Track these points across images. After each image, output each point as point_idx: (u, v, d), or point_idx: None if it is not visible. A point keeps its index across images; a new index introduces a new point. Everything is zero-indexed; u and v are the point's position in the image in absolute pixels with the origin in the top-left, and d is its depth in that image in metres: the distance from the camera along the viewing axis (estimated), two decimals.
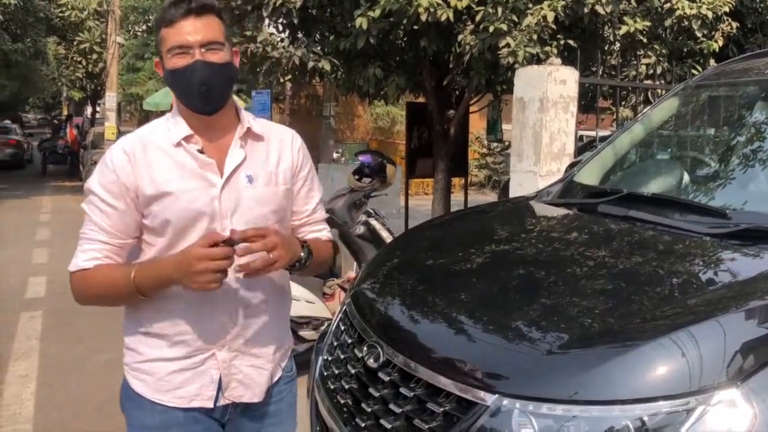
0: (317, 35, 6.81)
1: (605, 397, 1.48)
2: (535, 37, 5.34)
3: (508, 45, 5.36)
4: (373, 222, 4.74)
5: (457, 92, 7.27)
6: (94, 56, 24.70)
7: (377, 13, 5.69)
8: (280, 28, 7.05)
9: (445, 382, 1.66)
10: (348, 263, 5.63)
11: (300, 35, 6.88)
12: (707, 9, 5.76)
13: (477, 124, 13.80)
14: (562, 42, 5.61)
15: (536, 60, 5.30)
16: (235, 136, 1.74)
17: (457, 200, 8.07)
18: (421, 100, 7.87)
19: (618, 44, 6.08)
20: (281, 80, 7.24)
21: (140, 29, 27.68)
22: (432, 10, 5.46)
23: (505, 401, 1.54)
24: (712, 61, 6.17)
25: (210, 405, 1.72)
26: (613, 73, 6.05)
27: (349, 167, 7.75)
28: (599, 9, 5.44)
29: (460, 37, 5.79)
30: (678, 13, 5.79)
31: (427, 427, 1.64)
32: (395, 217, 7.85)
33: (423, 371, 1.73)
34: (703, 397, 1.43)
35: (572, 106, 4.61)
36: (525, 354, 1.67)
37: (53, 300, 6.35)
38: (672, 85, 5.02)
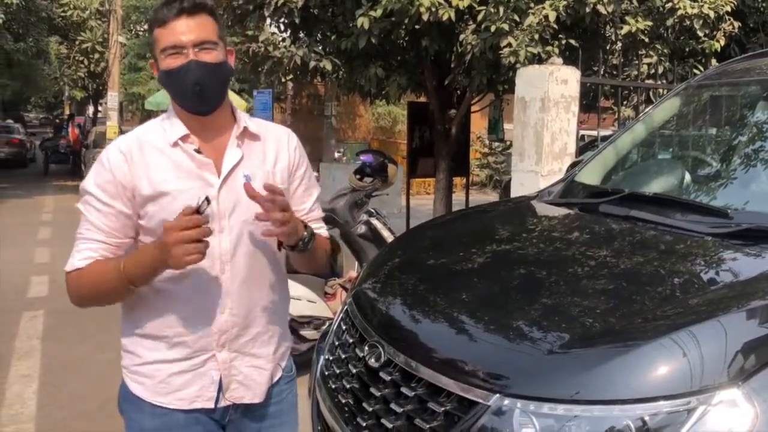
0: (319, 35, 6.82)
1: (606, 397, 1.48)
2: (536, 36, 5.34)
3: (509, 44, 5.36)
4: (375, 221, 4.74)
5: (458, 92, 7.27)
6: (96, 56, 24.74)
7: (379, 12, 5.70)
8: (282, 27, 7.05)
9: (446, 382, 1.66)
10: (349, 263, 5.63)
11: (301, 35, 6.88)
12: (709, 8, 5.75)
13: (478, 124, 13.79)
14: (563, 41, 5.61)
15: (538, 60, 5.30)
16: (231, 136, 1.73)
17: (458, 200, 8.06)
18: (422, 99, 7.87)
19: (619, 44, 6.08)
20: (283, 80, 7.26)
21: (142, 29, 27.68)
22: (433, 9, 5.46)
23: (506, 401, 1.54)
24: (713, 61, 6.16)
25: (211, 406, 1.72)
26: (615, 72, 6.04)
27: (350, 167, 7.75)
28: (601, 8, 5.44)
29: (461, 36, 5.79)
30: (680, 12, 5.79)
31: (428, 426, 1.65)
32: (396, 217, 7.86)
33: (424, 371, 1.73)
34: (704, 397, 1.43)
35: (574, 105, 4.60)
36: (526, 354, 1.67)
37: (55, 299, 6.35)
38: (674, 85, 5.01)
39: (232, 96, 14.69)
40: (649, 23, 5.76)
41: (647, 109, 3.53)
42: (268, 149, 1.78)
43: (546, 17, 5.34)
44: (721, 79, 3.09)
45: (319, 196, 1.94)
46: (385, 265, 2.43)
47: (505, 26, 5.39)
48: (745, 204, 2.29)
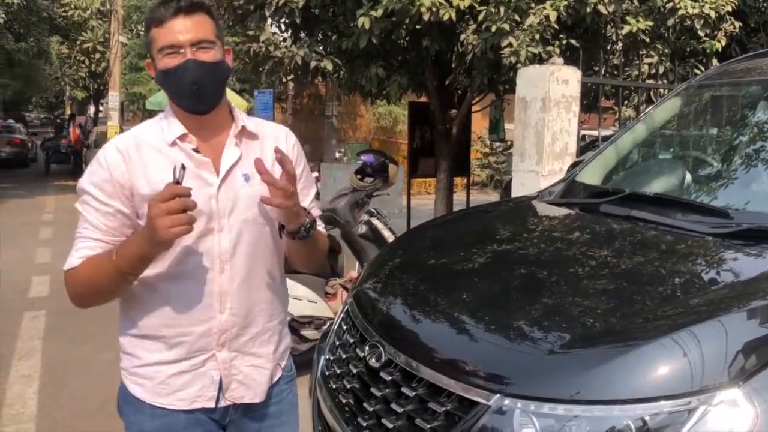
0: (320, 35, 6.82)
1: (607, 397, 1.48)
2: (537, 36, 5.34)
3: (510, 45, 5.36)
4: (376, 221, 4.74)
5: (459, 92, 7.27)
6: (97, 56, 24.79)
7: (379, 12, 5.70)
8: (283, 27, 7.06)
9: (446, 382, 1.66)
10: (350, 263, 5.63)
11: (302, 35, 6.88)
12: (710, 8, 5.75)
13: (479, 124, 13.79)
14: (564, 42, 5.61)
15: (539, 60, 5.30)
16: (229, 135, 1.73)
17: (459, 200, 8.06)
18: (423, 99, 7.87)
19: (620, 44, 6.08)
20: (284, 80, 7.26)
21: (143, 29, 27.73)
22: (434, 9, 5.46)
23: (507, 401, 1.54)
24: (714, 61, 6.16)
25: (211, 405, 1.71)
26: (616, 72, 6.04)
27: (351, 167, 7.76)
28: (602, 8, 5.43)
29: (462, 36, 5.79)
30: (680, 12, 5.78)
31: (428, 426, 1.65)
32: (397, 217, 7.86)
33: (425, 371, 1.73)
34: (705, 397, 1.43)
35: (574, 105, 4.60)
36: (527, 354, 1.67)
37: (56, 299, 6.35)
38: (674, 85, 5.01)
39: (233, 96, 14.71)
40: (650, 23, 5.76)
41: (648, 109, 3.53)
42: (266, 148, 1.77)
43: (547, 17, 5.34)
44: (722, 79, 3.09)
45: (316, 195, 1.93)
46: (386, 265, 2.43)
47: (506, 26, 5.39)
48: (746, 204, 2.29)
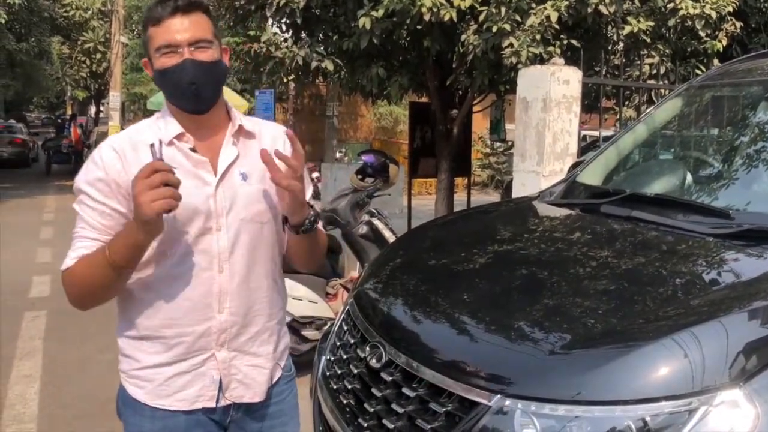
0: (320, 35, 6.82)
1: (607, 398, 1.48)
2: (538, 37, 5.33)
3: (511, 45, 5.35)
4: (376, 222, 4.74)
5: (460, 92, 7.26)
6: (98, 56, 24.82)
7: (380, 13, 5.69)
8: (284, 27, 7.06)
9: (447, 383, 1.67)
10: (351, 263, 5.63)
11: (303, 35, 6.88)
12: (711, 9, 5.75)
13: (480, 124, 13.80)
14: (565, 42, 5.61)
15: (539, 60, 5.30)
16: (226, 134, 1.72)
17: (460, 200, 8.05)
18: (424, 99, 7.87)
19: (621, 44, 6.07)
20: (284, 80, 7.25)
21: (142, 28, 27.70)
22: (435, 9, 5.46)
23: (508, 401, 1.54)
24: (715, 61, 6.15)
25: (212, 405, 1.71)
26: (617, 73, 6.04)
27: (352, 167, 7.75)
28: (602, 9, 5.43)
29: (463, 37, 5.79)
30: (681, 12, 5.78)
31: (429, 427, 1.65)
32: (398, 217, 7.86)
33: (425, 371, 1.73)
34: (706, 398, 1.43)
35: (575, 106, 4.60)
36: (527, 354, 1.67)
37: (57, 299, 6.35)
38: (675, 85, 5.01)
39: (233, 96, 14.70)
40: (651, 23, 5.75)
41: (649, 110, 3.53)
42: (263, 146, 1.76)
43: (548, 17, 5.33)
44: (722, 80, 3.09)
45: (316, 195, 1.93)
46: (387, 266, 2.43)
47: (507, 26, 5.39)
48: (747, 205, 2.29)
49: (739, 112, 2.99)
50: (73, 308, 1.74)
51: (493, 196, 15.98)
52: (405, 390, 1.77)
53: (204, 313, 1.67)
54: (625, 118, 5.64)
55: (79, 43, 25.14)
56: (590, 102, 6.31)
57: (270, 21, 7.01)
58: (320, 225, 1.89)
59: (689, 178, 2.70)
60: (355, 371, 1.99)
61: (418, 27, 5.88)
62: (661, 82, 5.94)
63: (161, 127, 1.70)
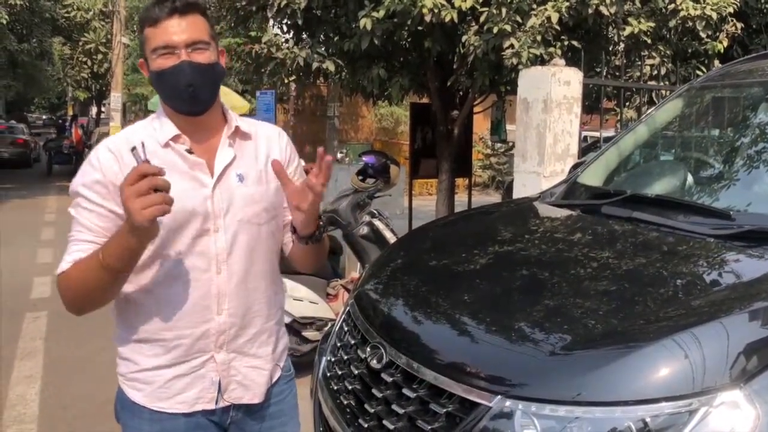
0: (321, 36, 6.82)
1: (608, 399, 1.48)
2: (539, 38, 5.33)
3: (512, 46, 5.35)
4: (377, 222, 4.74)
5: (461, 93, 7.26)
6: (99, 56, 24.85)
7: (381, 14, 5.70)
8: (285, 28, 7.06)
9: (447, 383, 1.67)
10: (351, 264, 5.63)
11: (304, 36, 6.88)
12: (711, 10, 5.74)
13: (481, 125, 13.79)
14: (566, 43, 5.60)
15: (540, 61, 5.30)
16: (223, 136, 1.72)
17: (460, 201, 8.06)
18: (425, 100, 7.87)
19: (622, 45, 6.06)
20: (285, 81, 7.25)
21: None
22: (436, 10, 5.46)
23: (508, 402, 1.54)
24: (716, 62, 6.15)
25: (212, 406, 1.71)
26: (617, 73, 6.03)
27: (353, 168, 7.74)
28: (603, 10, 5.43)
29: (464, 37, 5.79)
30: (682, 14, 5.78)
31: (429, 428, 1.65)
32: (399, 218, 7.85)
33: (426, 372, 1.73)
34: (706, 399, 1.43)
35: (576, 106, 4.60)
36: (528, 355, 1.67)
37: (58, 300, 6.25)
38: (676, 86, 5.01)
39: (235, 96, 14.69)
40: (652, 24, 5.75)
41: (650, 111, 3.53)
42: (259, 147, 1.77)
43: (548, 18, 5.33)
44: (723, 81, 3.09)
45: None
46: (388, 266, 2.43)
47: (508, 27, 5.39)
48: (748, 206, 2.29)
49: (739, 113, 2.99)
50: None
51: (494, 197, 15.98)
52: (405, 391, 1.77)
53: (202, 315, 1.67)
54: (626, 119, 5.64)
55: (80, 43, 25.17)
56: (591, 103, 6.30)
57: (271, 22, 7.01)
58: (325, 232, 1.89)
59: (690, 179, 2.70)
60: (356, 372, 1.99)
61: (419, 28, 5.88)
62: (661, 83, 5.94)
63: (156, 128, 1.69)
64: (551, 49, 5.40)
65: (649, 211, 2.29)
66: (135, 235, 1.46)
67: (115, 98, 17.50)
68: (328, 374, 2.17)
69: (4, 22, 16.81)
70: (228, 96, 13.89)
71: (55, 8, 22.58)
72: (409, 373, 1.78)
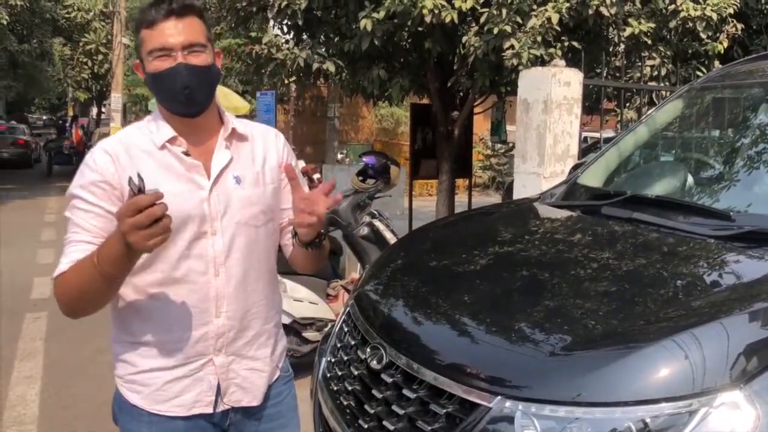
0: (322, 37, 6.82)
1: (608, 399, 1.48)
2: (539, 38, 5.34)
3: (512, 47, 5.36)
4: (377, 223, 4.75)
5: (461, 93, 7.26)
6: (100, 57, 24.85)
7: (381, 14, 5.70)
8: (285, 29, 7.06)
9: (448, 384, 1.66)
10: (352, 264, 5.63)
11: (305, 37, 6.89)
12: (712, 11, 5.74)
13: (481, 126, 13.79)
14: (566, 44, 5.61)
15: (540, 62, 5.30)
16: (219, 138, 1.71)
17: (461, 201, 8.06)
18: (425, 101, 7.87)
19: (622, 46, 6.07)
20: (286, 81, 7.25)
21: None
22: (436, 11, 5.46)
23: (508, 403, 1.54)
24: (716, 63, 6.15)
25: (209, 411, 1.70)
26: (618, 74, 6.04)
27: (353, 168, 7.74)
28: (603, 11, 5.43)
29: (464, 38, 5.79)
30: (682, 14, 5.78)
31: (429, 428, 1.65)
32: (399, 219, 7.85)
33: (426, 373, 1.73)
34: (706, 399, 1.43)
35: (576, 107, 4.60)
36: (528, 356, 1.67)
37: None
38: (676, 87, 5.01)
39: (236, 98, 14.69)
40: (652, 25, 5.75)
41: (650, 112, 3.53)
42: (256, 149, 1.77)
43: (549, 19, 5.33)
44: (723, 82, 3.09)
45: None
46: (388, 267, 2.43)
47: (508, 28, 5.39)
48: (748, 206, 2.30)
49: (740, 113, 2.99)
50: None
51: (494, 198, 15.99)
52: (405, 391, 1.76)
53: (201, 317, 1.66)
54: (626, 119, 5.64)
55: (80, 44, 25.17)
56: (591, 104, 6.30)
57: (271, 23, 7.02)
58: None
59: (690, 179, 2.70)
60: (356, 373, 1.99)
61: (419, 29, 5.88)
62: (662, 84, 5.94)
63: (153, 130, 1.68)
64: (551, 50, 5.40)
65: (650, 212, 2.29)
66: (130, 250, 1.44)
67: (116, 99, 17.51)
68: (328, 375, 2.16)
69: (5, 22, 16.82)
70: (229, 97, 13.90)
71: (55, 9, 22.60)
72: (409, 373, 1.78)
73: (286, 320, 4.37)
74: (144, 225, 1.36)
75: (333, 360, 2.19)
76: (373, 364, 1.88)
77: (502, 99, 7.73)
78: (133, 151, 1.64)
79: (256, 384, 1.77)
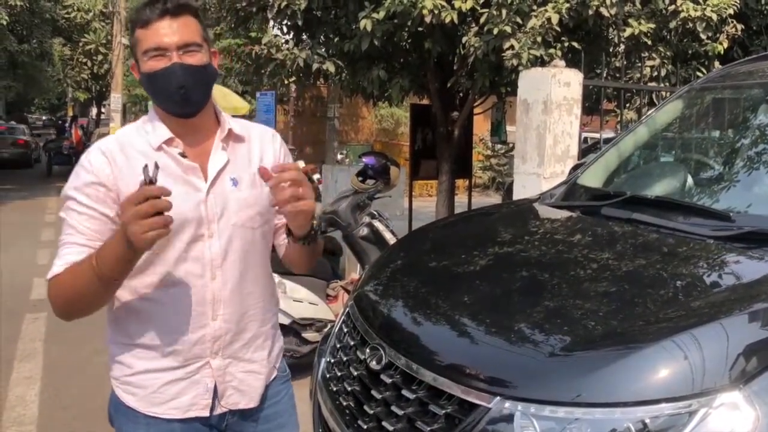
0: (321, 37, 6.82)
1: (607, 400, 1.48)
2: (539, 39, 5.33)
3: (512, 47, 5.35)
4: (377, 224, 4.75)
5: (461, 94, 7.26)
6: (100, 57, 24.84)
7: (381, 15, 5.70)
8: (285, 29, 7.06)
9: (447, 384, 1.66)
10: (351, 265, 5.63)
11: (304, 37, 6.88)
12: (712, 11, 5.74)
13: (481, 126, 13.79)
14: (566, 44, 5.61)
15: (540, 62, 5.30)
16: (216, 139, 1.70)
17: (460, 202, 8.06)
18: (425, 101, 7.87)
19: (622, 46, 6.06)
20: (286, 82, 7.25)
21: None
22: (436, 12, 5.46)
23: (507, 404, 1.54)
24: (716, 64, 6.15)
25: (206, 414, 1.69)
26: (618, 75, 6.03)
27: (353, 169, 7.74)
28: (603, 11, 5.43)
29: (464, 39, 5.79)
30: (682, 15, 5.78)
31: (429, 429, 1.65)
32: (399, 219, 7.85)
33: (425, 373, 1.73)
34: (706, 400, 1.43)
35: (576, 108, 4.60)
36: (527, 356, 1.67)
37: None
38: (676, 88, 5.01)
39: (235, 98, 14.69)
40: (652, 26, 5.75)
41: (650, 112, 3.53)
42: (253, 150, 1.75)
43: (549, 20, 5.33)
44: (724, 82, 3.09)
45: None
46: (387, 268, 2.43)
47: (508, 29, 5.39)
48: (748, 207, 2.30)
49: (739, 114, 2.99)
50: None
51: (494, 198, 15.99)
52: (405, 392, 1.76)
53: (197, 320, 1.65)
54: (626, 120, 5.64)
55: (80, 44, 25.17)
56: (591, 104, 6.30)
57: (271, 23, 7.01)
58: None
59: (690, 180, 2.70)
60: (355, 373, 1.99)
61: (419, 29, 5.88)
62: (662, 85, 5.94)
63: (149, 131, 1.67)
64: (551, 51, 5.40)
65: (649, 213, 2.29)
66: (131, 246, 1.44)
67: (115, 99, 17.50)
68: (328, 375, 2.16)
69: (5, 23, 16.82)
70: (228, 97, 13.91)
71: (55, 9, 22.60)
72: (408, 374, 1.78)
73: (286, 321, 4.37)
74: (146, 215, 1.37)
75: (332, 360, 2.19)
76: (373, 364, 1.88)
77: (502, 99, 7.73)
78: (129, 151, 1.63)
79: (253, 386, 1.76)
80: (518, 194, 4.55)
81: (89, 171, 1.61)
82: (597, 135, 6.75)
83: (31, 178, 20.27)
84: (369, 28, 5.75)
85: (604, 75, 5.29)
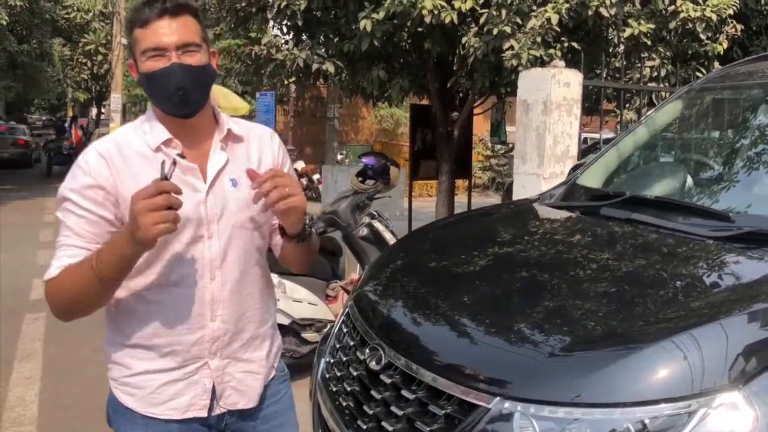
0: (321, 37, 6.83)
1: (607, 400, 1.48)
2: (539, 39, 5.34)
3: (511, 47, 5.36)
4: (377, 224, 4.75)
5: (461, 94, 7.27)
6: (99, 58, 24.86)
7: (381, 15, 5.70)
8: (285, 30, 7.06)
9: (446, 385, 1.66)
10: (351, 265, 5.63)
11: (304, 37, 6.89)
12: (711, 11, 5.75)
13: (481, 126, 13.80)
14: (566, 44, 5.61)
15: (540, 62, 5.30)
16: (215, 140, 1.69)
17: (460, 202, 8.06)
18: (425, 102, 7.87)
19: (622, 47, 6.07)
20: (285, 82, 7.25)
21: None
22: (436, 12, 5.47)
23: (507, 404, 1.54)
24: (716, 64, 6.16)
25: (204, 414, 1.69)
26: (617, 75, 6.04)
27: (352, 169, 7.74)
28: (603, 11, 5.43)
29: (464, 39, 5.79)
30: (682, 15, 5.78)
31: (428, 429, 1.65)
32: (399, 219, 7.85)
33: (425, 374, 1.73)
34: (705, 400, 1.43)
35: (576, 108, 4.60)
36: (527, 356, 1.67)
37: None
38: (676, 88, 5.01)
39: (235, 98, 14.69)
40: (652, 26, 5.75)
41: (649, 112, 3.53)
42: (251, 150, 1.75)
43: (548, 20, 5.33)
44: (723, 82, 3.09)
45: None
46: (387, 268, 2.43)
47: (508, 29, 5.39)
48: (747, 207, 2.30)
49: (739, 114, 2.99)
50: None
51: (494, 199, 16.00)
52: (404, 392, 1.76)
53: (196, 321, 1.65)
54: (626, 120, 5.64)
55: (80, 44, 25.18)
56: (591, 104, 6.31)
57: (271, 23, 7.02)
58: (314, 228, 1.88)
59: (689, 180, 2.70)
60: (355, 373, 1.99)
61: (419, 29, 5.88)
62: (661, 85, 5.94)
63: (147, 131, 1.66)
64: (551, 51, 5.40)
65: (649, 213, 2.29)
66: (134, 245, 1.44)
67: (115, 99, 17.50)
68: (327, 376, 2.16)
69: (4, 23, 16.82)
70: (228, 97, 13.91)
71: (55, 9, 22.61)
72: (408, 374, 1.78)
73: (285, 321, 4.37)
74: (159, 207, 1.38)
75: (332, 361, 2.19)
76: (372, 364, 1.88)
77: (502, 100, 7.74)
78: (127, 152, 1.62)
79: (252, 386, 1.76)
80: (518, 194, 4.55)
81: (87, 173, 1.60)
82: (597, 135, 6.75)
83: (31, 178, 20.26)
84: (369, 29, 5.75)
85: (604, 75, 5.29)
